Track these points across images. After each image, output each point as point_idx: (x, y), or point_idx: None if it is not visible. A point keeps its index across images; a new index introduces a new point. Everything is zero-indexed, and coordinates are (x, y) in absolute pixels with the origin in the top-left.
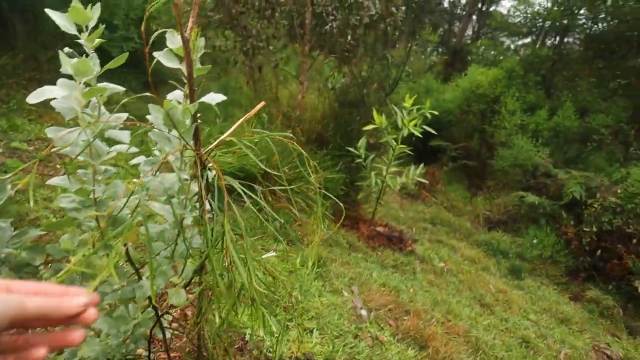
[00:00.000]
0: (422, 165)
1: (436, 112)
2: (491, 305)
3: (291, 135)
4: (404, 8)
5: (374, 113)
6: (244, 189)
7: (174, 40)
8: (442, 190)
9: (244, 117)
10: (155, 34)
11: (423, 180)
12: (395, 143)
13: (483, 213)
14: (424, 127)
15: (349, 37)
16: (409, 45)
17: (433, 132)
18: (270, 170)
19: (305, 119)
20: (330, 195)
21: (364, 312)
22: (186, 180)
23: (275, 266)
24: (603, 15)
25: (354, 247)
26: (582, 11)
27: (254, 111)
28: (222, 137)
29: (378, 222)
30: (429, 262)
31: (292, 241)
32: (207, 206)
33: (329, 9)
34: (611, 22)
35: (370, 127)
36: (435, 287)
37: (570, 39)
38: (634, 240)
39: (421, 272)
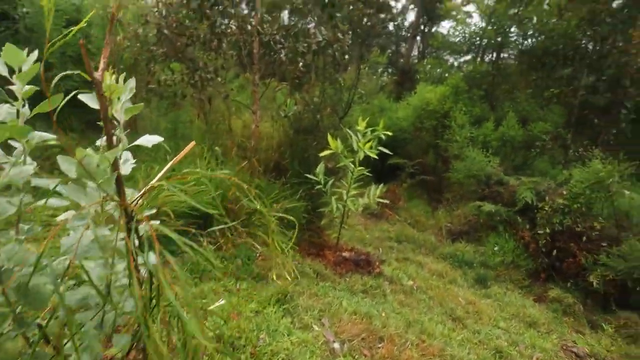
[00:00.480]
0: (381, 185)
1: (390, 133)
2: (463, 319)
3: (228, 172)
4: (350, 33)
5: (329, 138)
6: (197, 231)
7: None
8: (404, 207)
9: (172, 160)
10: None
11: (384, 201)
12: (353, 166)
13: (445, 225)
14: (380, 148)
15: (299, 64)
16: (359, 68)
17: (388, 152)
18: (212, 211)
19: (261, 148)
20: (291, 218)
21: (336, 346)
22: (107, 236)
23: (239, 307)
24: (531, 32)
25: (321, 275)
26: (512, 29)
27: (182, 153)
28: (151, 183)
29: (344, 247)
30: (398, 282)
31: (256, 277)
32: (142, 261)
33: (276, 38)
34: (539, 38)
35: (326, 152)
36: (407, 307)
37: (506, 55)
38: (584, 238)
39: (391, 293)
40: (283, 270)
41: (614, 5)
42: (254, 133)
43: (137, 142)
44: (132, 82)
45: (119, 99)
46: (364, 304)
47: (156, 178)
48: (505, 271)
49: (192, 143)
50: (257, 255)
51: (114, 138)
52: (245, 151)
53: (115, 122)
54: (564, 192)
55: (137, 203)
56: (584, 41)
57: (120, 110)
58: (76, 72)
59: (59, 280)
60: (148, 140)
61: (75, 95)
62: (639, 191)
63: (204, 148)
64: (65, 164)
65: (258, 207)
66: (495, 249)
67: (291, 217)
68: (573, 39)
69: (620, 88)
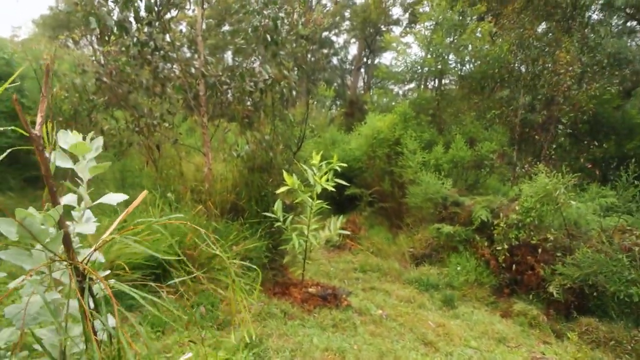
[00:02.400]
0: (341, 217)
1: (344, 165)
2: (434, 342)
3: (182, 216)
4: (296, 69)
5: (285, 174)
6: (155, 284)
7: (66, 138)
8: (365, 236)
9: (124, 212)
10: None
11: (345, 232)
12: (311, 200)
13: (408, 250)
14: (336, 180)
15: (247, 103)
16: (308, 102)
17: (345, 183)
18: (169, 257)
19: (216, 190)
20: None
21: None
22: (57, 299)
23: (207, 358)
24: (468, 58)
25: (289, 314)
26: (450, 57)
27: (135, 203)
28: (102, 238)
29: (309, 283)
30: (367, 312)
31: (222, 324)
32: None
33: (222, 79)
34: (475, 64)
35: (283, 189)
36: (379, 337)
37: (447, 80)
38: (540, 250)
39: (361, 324)
40: (249, 313)
41: (539, 30)
42: (206, 176)
43: (101, 200)
44: (99, 141)
45: (83, 157)
46: (335, 339)
47: (108, 232)
48: (470, 290)
49: (144, 192)
50: (221, 300)
51: (76, 196)
52: (199, 195)
53: (79, 180)
54: (517, 208)
55: (88, 261)
56: (517, 64)
57: (84, 169)
58: (9, 127)
59: (8, 353)
60: (112, 198)
61: (10, 153)
62: (583, 201)
63: (156, 195)
64: (4, 225)
65: (217, 251)
66: (458, 268)
67: (253, 258)
68: (507, 62)
69: (554, 105)
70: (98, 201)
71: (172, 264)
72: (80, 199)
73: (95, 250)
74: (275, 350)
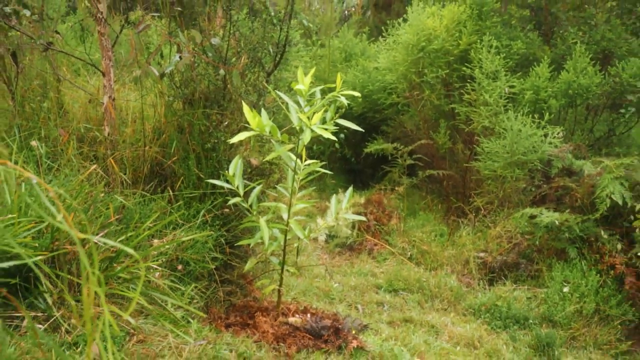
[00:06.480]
0: (350, 189)
1: (357, 93)
2: None
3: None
4: None
5: (246, 110)
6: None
7: None
8: (399, 229)
9: None
10: None
11: (361, 218)
12: (294, 158)
13: (475, 256)
14: (340, 121)
15: None
16: None
17: (355, 127)
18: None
19: (125, 139)
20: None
21: None
22: None
23: None
24: None
25: None
26: None
27: None
28: None
29: (291, 308)
30: None
31: None
32: None
33: None
34: None
35: (242, 136)
36: None
37: None
38: None
39: None
40: (179, 359)
41: None
42: (107, 111)
43: None
44: None
45: None
46: None
47: None
48: (586, 328)
49: None
50: (130, 335)
51: None
52: (94, 146)
53: None
54: None
55: None
56: None
57: None
58: None
59: None
60: None
61: None
62: None
63: (12, 145)
64: None
65: (126, 248)
66: (566, 290)
67: (190, 261)
68: None
69: None
70: None
71: (42, 270)
72: None
73: None
74: None
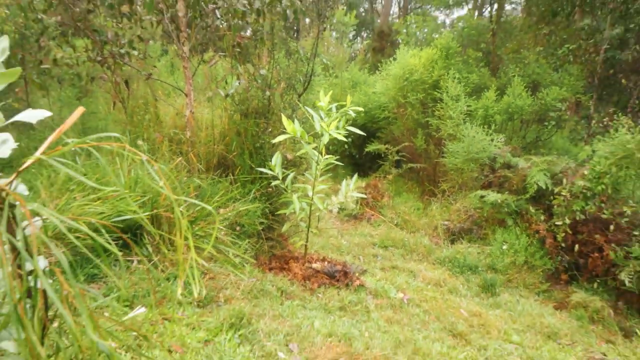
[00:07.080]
0: (355, 175)
1: (360, 108)
2: (466, 334)
3: (118, 135)
4: None
5: (284, 120)
6: (111, 246)
7: None
8: (389, 204)
9: (52, 136)
10: None
11: (362, 195)
12: (317, 153)
13: (442, 224)
14: (349, 128)
15: (240, 29)
16: (318, 28)
17: (359, 132)
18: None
19: (200, 140)
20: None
21: None
22: None
23: (183, 338)
24: None
25: (286, 293)
26: None
27: (65, 126)
28: (34, 157)
29: (314, 257)
30: (384, 295)
31: (203, 301)
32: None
33: None
34: None
35: (281, 138)
36: (396, 325)
37: (510, 6)
38: (612, 227)
39: (376, 309)
40: (237, 290)
41: None
42: (188, 121)
43: (18, 118)
44: (4, 41)
45: None
46: (342, 324)
47: (38, 151)
48: (518, 274)
49: (81, 109)
50: (204, 273)
51: None
52: (179, 145)
53: None
54: (585, 172)
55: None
56: None
57: None
58: None
59: None
60: (31, 115)
61: None
62: None
63: (126, 143)
64: None
65: (208, 207)
66: (504, 247)
67: (244, 224)
68: None
69: None
70: (14, 119)
71: (145, 229)
72: None
73: (17, 175)
74: (266, 333)
